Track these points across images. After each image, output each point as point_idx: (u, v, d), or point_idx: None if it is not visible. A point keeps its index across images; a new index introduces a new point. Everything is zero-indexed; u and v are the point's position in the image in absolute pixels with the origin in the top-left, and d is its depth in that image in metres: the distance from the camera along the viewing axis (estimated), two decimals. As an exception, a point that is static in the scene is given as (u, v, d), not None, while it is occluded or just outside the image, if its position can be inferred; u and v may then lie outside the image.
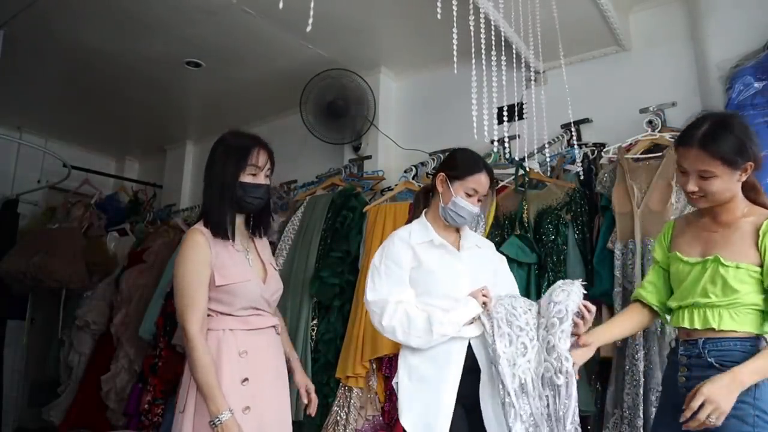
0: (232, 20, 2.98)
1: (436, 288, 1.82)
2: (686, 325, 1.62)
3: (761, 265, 1.53)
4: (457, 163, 1.94)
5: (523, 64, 2.81)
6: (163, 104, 4.10)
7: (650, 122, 2.65)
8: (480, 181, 1.90)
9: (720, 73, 2.52)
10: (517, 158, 2.80)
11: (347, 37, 3.22)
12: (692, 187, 1.60)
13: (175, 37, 3.17)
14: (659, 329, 2.21)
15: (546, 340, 1.67)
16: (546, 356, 1.66)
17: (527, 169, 2.79)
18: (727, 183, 1.57)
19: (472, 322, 1.77)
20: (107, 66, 3.49)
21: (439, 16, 1.82)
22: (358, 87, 3.47)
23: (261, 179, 1.85)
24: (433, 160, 3.31)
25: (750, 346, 1.53)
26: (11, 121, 4.47)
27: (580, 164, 2.76)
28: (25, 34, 3.11)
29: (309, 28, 1.43)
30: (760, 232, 1.54)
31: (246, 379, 1.70)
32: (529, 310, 1.76)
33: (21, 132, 4.56)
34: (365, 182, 3.38)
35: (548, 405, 1.63)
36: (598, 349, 2.41)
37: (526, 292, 2.44)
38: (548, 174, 2.85)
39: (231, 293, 1.74)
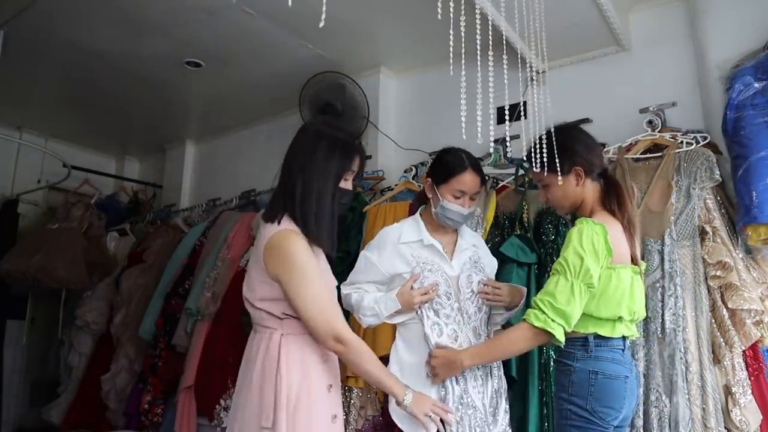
0: (232, 20, 2.98)
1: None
2: None
3: None
4: (441, 167, 1.95)
5: (524, 64, 2.81)
6: (163, 104, 4.10)
7: (650, 122, 2.65)
8: (464, 181, 1.88)
9: (720, 73, 2.52)
10: (517, 158, 2.80)
11: (347, 37, 3.22)
12: (542, 197, 1.82)
13: (175, 37, 3.17)
14: (659, 329, 2.21)
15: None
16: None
17: (527, 169, 2.79)
18: (563, 189, 1.74)
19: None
20: (107, 66, 3.49)
21: (439, 16, 1.82)
22: (352, 89, 3.48)
23: (350, 185, 1.72)
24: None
25: (579, 346, 1.65)
26: (11, 121, 4.47)
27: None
28: (25, 34, 3.11)
29: (321, 24, 1.43)
30: None
31: (331, 386, 1.61)
32: (450, 294, 1.88)
33: (21, 132, 4.56)
34: (365, 182, 3.38)
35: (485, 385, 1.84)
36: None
37: (526, 293, 2.44)
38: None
39: None
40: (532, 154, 1.72)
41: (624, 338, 1.67)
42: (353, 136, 1.73)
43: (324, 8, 1.37)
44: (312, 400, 1.51)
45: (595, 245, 1.60)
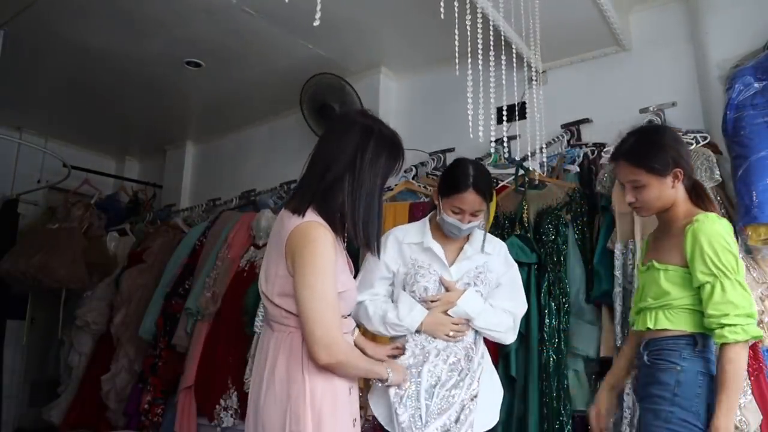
0: (232, 20, 2.98)
1: (414, 291, 1.91)
2: (634, 328, 1.72)
3: (687, 266, 1.60)
4: (446, 180, 1.94)
5: (524, 64, 2.81)
6: (163, 104, 4.10)
7: (650, 122, 2.65)
8: (463, 199, 1.85)
9: (720, 73, 2.52)
10: (517, 158, 2.80)
11: (347, 37, 3.22)
12: (629, 198, 1.73)
13: (175, 37, 3.17)
14: (659, 329, 2.21)
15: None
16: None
17: (527, 169, 2.79)
18: (659, 191, 1.67)
19: None
20: (107, 66, 3.49)
21: (442, 16, 1.82)
22: (349, 91, 3.49)
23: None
24: (433, 160, 3.31)
25: (684, 344, 1.58)
26: (11, 121, 4.47)
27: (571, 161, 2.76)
28: (26, 34, 3.11)
29: (317, 23, 1.42)
30: (684, 234, 1.60)
31: (351, 389, 1.56)
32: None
33: (21, 132, 4.56)
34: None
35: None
36: (598, 350, 2.42)
37: (526, 293, 2.44)
38: (548, 174, 2.85)
39: (342, 300, 1.55)
40: (633, 151, 1.68)
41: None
42: (396, 135, 1.65)
43: (318, 7, 1.38)
44: (335, 404, 1.47)
45: (732, 239, 1.58)
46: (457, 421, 1.76)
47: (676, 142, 1.70)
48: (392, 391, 1.75)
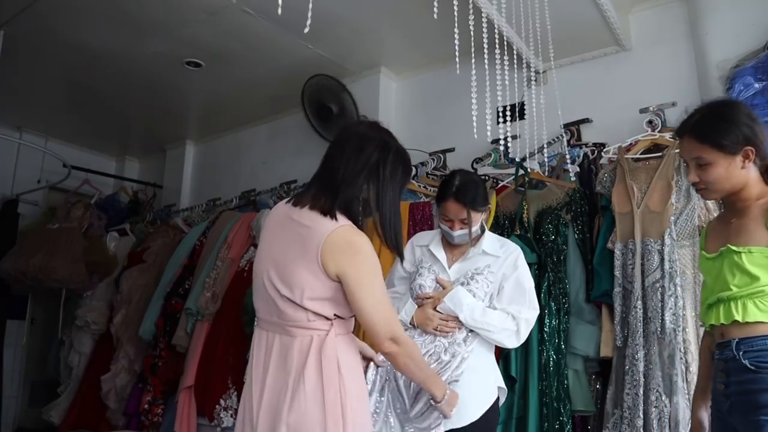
0: (232, 20, 2.98)
1: (413, 287, 2.03)
2: (713, 321, 1.52)
3: None
4: (438, 190, 2.05)
5: (524, 64, 2.81)
6: (163, 104, 4.10)
7: (650, 122, 2.65)
8: (447, 208, 1.95)
9: (720, 73, 2.52)
10: (517, 158, 2.80)
11: (347, 37, 3.22)
12: (693, 177, 1.56)
13: (175, 37, 3.17)
14: (659, 329, 2.21)
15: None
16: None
17: (527, 169, 2.79)
18: (727, 170, 1.50)
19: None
20: (107, 66, 3.49)
21: (435, 16, 1.82)
22: (345, 93, 3.51)
23: None
24: (433, 160, 3.31)
25: None
26: (11, 121, 4.47)
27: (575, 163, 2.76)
28: (26, 34, 3.11)
29: (306, 30, 1.43)
30: (767, 214, 1.46)
31: (367, 384, 1.65)
32: None
33: (21, 132, 4.56)
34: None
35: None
36: (598, 349, 2.42)
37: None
38: (548, 174, 2.85)
39: None
40: (699, 126, 1.53)
41: None
42: (406, 151, 1.73)
43: (309, 14, 1.38)
44: (364, 399, 1.55)
45: None
46: (414, 403, 1.80)
47: (749, 119, 1.52)
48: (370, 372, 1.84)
